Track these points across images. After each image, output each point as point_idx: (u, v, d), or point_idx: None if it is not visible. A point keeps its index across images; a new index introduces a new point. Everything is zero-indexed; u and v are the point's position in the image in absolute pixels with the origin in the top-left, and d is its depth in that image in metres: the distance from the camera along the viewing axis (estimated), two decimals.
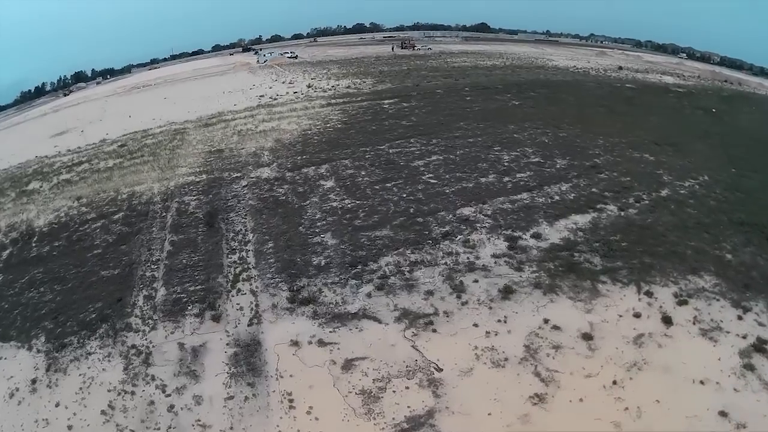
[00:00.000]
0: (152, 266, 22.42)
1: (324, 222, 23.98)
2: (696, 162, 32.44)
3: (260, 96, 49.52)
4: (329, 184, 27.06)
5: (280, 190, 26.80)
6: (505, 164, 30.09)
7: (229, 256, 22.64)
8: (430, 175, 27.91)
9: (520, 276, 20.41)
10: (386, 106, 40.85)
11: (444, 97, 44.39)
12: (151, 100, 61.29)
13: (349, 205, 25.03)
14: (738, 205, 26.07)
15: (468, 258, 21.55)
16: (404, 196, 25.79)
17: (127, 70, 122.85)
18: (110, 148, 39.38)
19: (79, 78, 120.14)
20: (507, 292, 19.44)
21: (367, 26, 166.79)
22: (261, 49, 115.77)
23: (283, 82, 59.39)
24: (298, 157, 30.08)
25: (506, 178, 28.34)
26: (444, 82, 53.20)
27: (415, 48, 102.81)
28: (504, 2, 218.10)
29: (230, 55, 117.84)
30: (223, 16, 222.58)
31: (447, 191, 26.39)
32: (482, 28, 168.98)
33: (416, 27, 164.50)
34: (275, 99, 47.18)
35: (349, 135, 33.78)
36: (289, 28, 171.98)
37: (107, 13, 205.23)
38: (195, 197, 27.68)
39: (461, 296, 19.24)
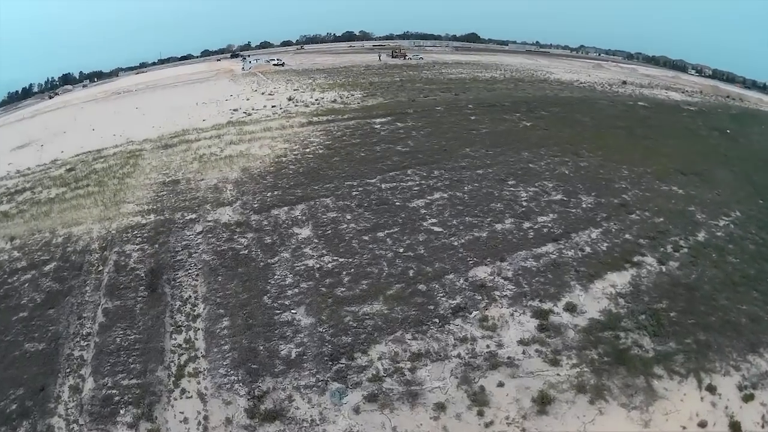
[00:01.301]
0: (82, 342, 17.17)
1: (296, 290, 18.19)
2: (724, 194, 29.59)
3: (233, 110, 43.51)
4: (305, 232, 21.22)
5: (243, 240, 20.89)
6: (523, 204, 24.68)
7: (174, 336, 17.03)
8: (433, 221, 22.28)
9: (558, 374, 15.27)
10: (378, 126, 35.12)
11: (445, 115, 38.80)
12: (123, 110, 55.53)
13: (329, 265, 19.23)
14: None
15: (488, 346, 16.15)
16: (401, 251, 20.10)
17: (114, 73, 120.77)
18: (58, 172, 33.25)
19: (67, 80, 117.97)
20: (543, 403, 14.29)
21: (357, 34, 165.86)
22: (249, 56, 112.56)
23: (263, 93, 53.58)
24: (268, 194, 24.19)
25: (526, 224, 22.92)
26: (443, 97, 47.68)
27: (406, 57, 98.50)
28: (493, 13, 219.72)
29: (217, 60, 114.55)
30: (215, 22, 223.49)
31: (455, 243, 20.80)
32: (472, 38, 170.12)
33: (406, 36, 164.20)
34: (249, 114, 41.09)
35: (332, 164, 28.06)
36: (279, 34, 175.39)
37: (103, 15, 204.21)
38: (138, 246, 21.68)
39: (483, 412, 13.94)
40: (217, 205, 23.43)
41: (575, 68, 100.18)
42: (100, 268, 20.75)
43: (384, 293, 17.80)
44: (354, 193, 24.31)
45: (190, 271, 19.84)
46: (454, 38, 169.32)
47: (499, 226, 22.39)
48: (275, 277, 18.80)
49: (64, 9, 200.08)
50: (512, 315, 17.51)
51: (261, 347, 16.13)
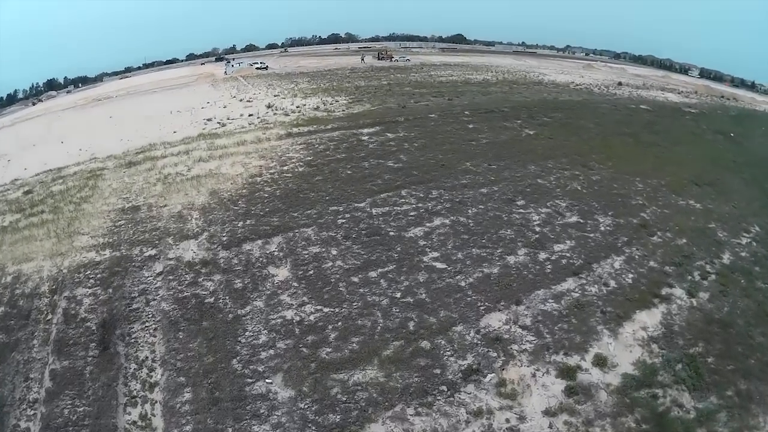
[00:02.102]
0: (28, 411, 14.04)
1: (272, 351, 14.84)
2: (740, 206, 28.30)
3: (207, 120, 39.78)
4: (282, 273, 17.77)
5: (209, 284, 17.41)
6: (536, 228, 21.65)
7: (128, 409, 13.74)
8: (435, 255, 19.05)
9: None
10: (365, 137, 31.68)
11: (440, 124, 35.42)
12: (96, 120, 51.78)
13: (311, 317, 15.88)
14: None
15: (508, 420, 13.23)
16: (398, 296, 16.82)
17: (99, 78, 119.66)
18: (15, 194, 29.34)
19: (52, 86, 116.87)
20: None
21: (342, 36, 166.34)
22: (234, 59, 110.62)
23: (241, 100, 49.95)
24: (239, 223, 20.65)
25: (542, 254, 19.89)
26: (435, 102, 44.38)
27: (393, 59, 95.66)
28: (478, 14, 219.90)
29: (201, 65, 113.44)
30: (201, 25, 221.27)
31: (462, 284, 17.62)
32: (458, 39, 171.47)
33: (392, 38, 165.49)
34: (223, 125, 37.27)
35: (314, 184, 24.18)
36: (265, 37, 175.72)
37: (88, 18, 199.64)
38: (90, 291, 18.10)
39: None
40: (181, 238, 19.91)
41: (566, 69, 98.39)
42: (49, 316, 17.26)
43: (379, 354, 14.55)
44: (340, 221, 20.89)
45: (147, 325, 16.39)
46: (440, 39, 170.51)
47: (511, 259, 19.30)
48: (246, 333, 15.42)
49: (50, 12, 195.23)
50: (534, 376, 14.47)
51: (230, 429, 12.84)
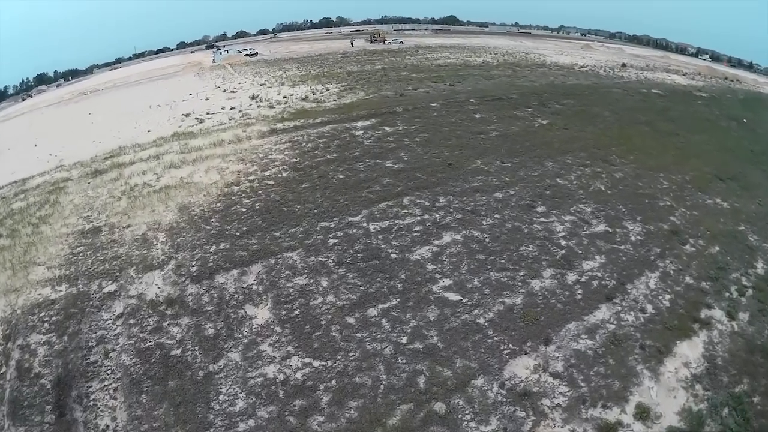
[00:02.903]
0: None
1: (251, 421, 11.92)
2: (765, 202, 26.73)
3: (186, 115, 36.15)
4: (262, 314, 14.71)
5: (175, 330, 14.36)
6: (561, 242, 18.77)
7: None
8: (446, 282, 16.09)
9: None
10: (359, 132, 28.32)
11: (443, 114, 31.77)
12: (75, 117, 47.67)
13: (299, 374, 12.92)
14: None
15: None
16: (404, 341, 13.88)
17: (90, 71, 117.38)
18: None
19: (42, 80, 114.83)
20: None
21: (334, 20, 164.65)
22: (224, 46, 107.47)
23: (225, 90, 46.28)
24: (212, 248, 17.45)
25: (570, 275, 17.10)
26: (436, 88, 40.69)
27: (386, 42, 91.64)
28: None
29: (191, 53, 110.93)
30: (193, 12, 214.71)
31: (481, 320, 14.73)
32: (451, 20, 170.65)
33: (384, 20, 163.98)
34: (201, 121, 33.53)
35: (299, 194, 20.73)
36: (258, 23, 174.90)
37: (79, 9, 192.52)
38: (45, 337, 15.04)
39: None
40: (144, 269, 16.79)
41: (565, 50, 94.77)
42: (3, 369, 14.32)
43: (383, 423, 11.71)
44: (331, 241, 17.73)
45: (106, 384, 13.44)
46: (433, 21, 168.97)
47: (536, 284, 16.43)
48: (221, 398, 12.50)
49: (41, 5, 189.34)
50: None
51: None
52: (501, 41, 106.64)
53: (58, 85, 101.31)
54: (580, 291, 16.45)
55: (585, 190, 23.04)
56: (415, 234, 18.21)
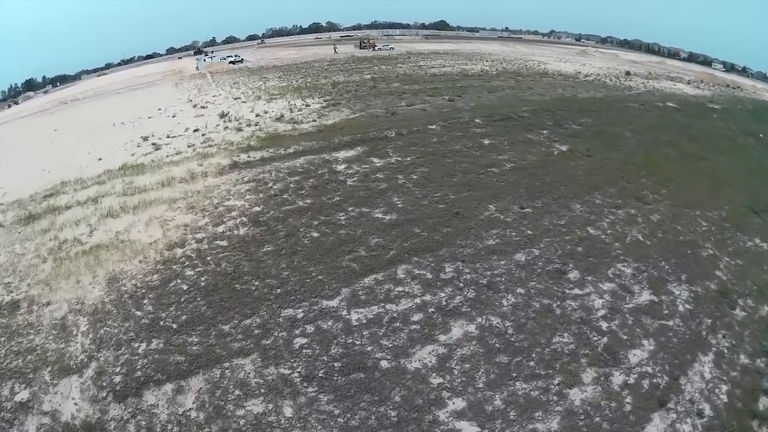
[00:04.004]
0: None
1: None
2: None
3: (144, 138, 30.95)
4: None
5: None
6: (602, 325, 14.28)
7: None
8: (458, 404, 11.44)
9: None
10: (341, 166, 23.18)
11: (444, 139, 26.77)
12: (39, 134, 42.07)
13: None
14: None
15: None
16: None
17: (78, 76, 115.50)
18: None
19: (30, 86, 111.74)
20: None
21: (324, 26, 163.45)
22: (212, 52, 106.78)
23: (195, 105, 41.30)
24: (141, 348, 12.36)
25: (615, 375, 12.67)
26: (433, 104, 35.71)
27: (376, 48, 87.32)
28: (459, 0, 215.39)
29: (179, 59, 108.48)
30: (183, 19, 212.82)
31: None
32: (441, 25, 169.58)
33: (374, 26, 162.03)
34: (158, 147, 28.13)
35: (258, 263, 15.59)
36: (248, 28, 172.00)
37: (71, 13, 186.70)
38: None
39: None
40: (60, 371, 12.05)
41: (561, 56, 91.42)
42: None
43: None
44: (298, 341, 12.83)
45: None
46: (423, 26, 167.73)
47: (575, 396, 11.94)
48: None
49: (31, 10, 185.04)
50: None
51: None
52: (494, 47, 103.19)
53: (45, 92, 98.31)
54: (629, 399, 12.19)
55: (621, 243, 18.61)
56: (413, 327, 13.47)
